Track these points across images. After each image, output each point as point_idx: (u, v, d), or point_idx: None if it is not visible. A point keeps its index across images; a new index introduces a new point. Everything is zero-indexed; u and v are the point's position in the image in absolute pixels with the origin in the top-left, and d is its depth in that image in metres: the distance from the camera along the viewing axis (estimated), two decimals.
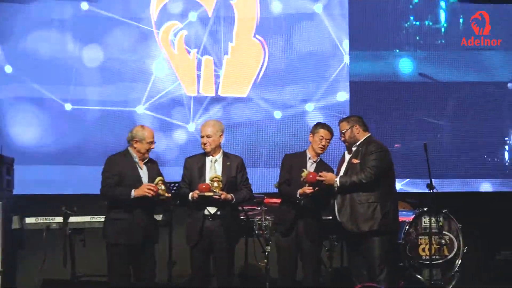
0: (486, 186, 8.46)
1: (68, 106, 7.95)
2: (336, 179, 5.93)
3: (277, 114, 8.24)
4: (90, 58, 8.01)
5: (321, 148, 6.18)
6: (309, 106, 8.27)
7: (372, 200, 5.92)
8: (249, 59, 8.26)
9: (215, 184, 5.84)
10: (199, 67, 8.16)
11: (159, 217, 6.50)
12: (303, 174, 5.95)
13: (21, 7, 7.91)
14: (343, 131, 6.12)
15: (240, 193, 6.01)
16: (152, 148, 5.98)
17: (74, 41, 7.98)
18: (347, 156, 6.14)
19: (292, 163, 6.22)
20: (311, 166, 6.18)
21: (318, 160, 6.23)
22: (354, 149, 6.09)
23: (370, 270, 5.95)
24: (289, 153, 6.40)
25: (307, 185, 5.96)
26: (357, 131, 6.08)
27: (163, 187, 5.81)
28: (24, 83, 7.88)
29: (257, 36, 8.22)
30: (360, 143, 6.06)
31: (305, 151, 6.27)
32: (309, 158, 6.21)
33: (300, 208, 6.08)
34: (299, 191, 6.01)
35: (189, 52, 8.15)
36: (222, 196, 5.83)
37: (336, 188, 5.93)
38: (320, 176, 5.89)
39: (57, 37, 7.97)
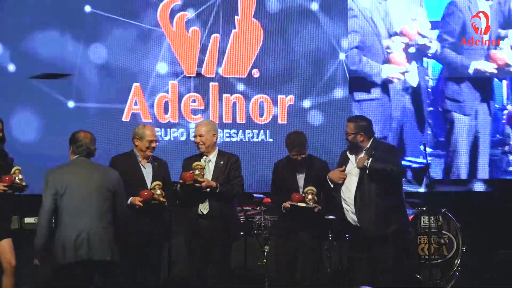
0: (485, 186, 8.47)
1: (71, 104, 7.91)
2: (367, 160, 5.74)
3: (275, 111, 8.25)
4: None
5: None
6: (306, 103, 8.28)
7: (396, 203, 5.82)
8: (250, 39, 8.21)
9: (197, 171, 5.83)
10: (202, 46, 8.11)
11: None
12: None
13: (24, 7, 7.90)
14: (348, 132, 5.95)
15: (228, 185, 5.97)
16: (154, 146, 5.98)
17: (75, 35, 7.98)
18: (351, 157, 5.96)
19: (281, 169, 6.20)
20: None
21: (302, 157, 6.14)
22: (364, 153, 5.89)
23: (378, 272, 5.86)
24: (278, 161, 6.33)
25: (289, 205, 5.95)
26: (361, 139, 5.89)
27: (158, 192, 5.79)
28: (26, 81, 7.86)
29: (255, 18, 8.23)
30: (369, 147, 5.88)
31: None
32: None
33: (298, 212, 6.02)
34: (283, 205, 5.99)
35: (188, 30, 8.13)
36: (204, 184, 5.82)
37: (365, 171, 5.74)
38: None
39: (57, 34, 7.96)
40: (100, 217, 4.98)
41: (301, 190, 6.03)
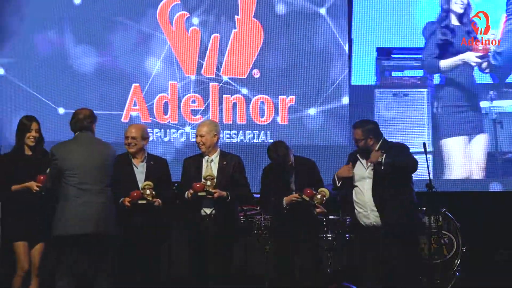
0: (485, 186, 8.46)
1: (61, 110, 7.87)
2: (382, 157, 5.61)
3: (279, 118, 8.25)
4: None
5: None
6: (307, 103, 8.29)
7: (413, 202, 5.75)
8: (250, 39, 8.23)
9: (208, 182, 5.82)
10: (202, 46, 8.13)
11: None
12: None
13: (14, 8, 7.89)
14: (357, 139, 5.80)
15: (236, 191, 5.96)
16: (130, 143, 5.89)
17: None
18: (363, 161, 5.81)
19: (270, 175, 6.18)
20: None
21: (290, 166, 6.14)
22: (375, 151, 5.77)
23: (397, 272, 5.72)
24: (265, 167, 6.31)
25: (299, 195, 5.95)
26: (371, 142, 5.76)
27: (148, 192, 5.75)
28: (17, 85, 7.85)
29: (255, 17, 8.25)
30: (380, 147, 5.75)
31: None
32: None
33: (294, 213, 6.02)
34: (286, 199, 5.99)
35: (188, 30, 8.15)
36: (216, 195, 5.81)
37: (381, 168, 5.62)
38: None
39: (51, 38, 7.95)
40: (101, 191, 5.31)
41: (293, 194, 6.04)
